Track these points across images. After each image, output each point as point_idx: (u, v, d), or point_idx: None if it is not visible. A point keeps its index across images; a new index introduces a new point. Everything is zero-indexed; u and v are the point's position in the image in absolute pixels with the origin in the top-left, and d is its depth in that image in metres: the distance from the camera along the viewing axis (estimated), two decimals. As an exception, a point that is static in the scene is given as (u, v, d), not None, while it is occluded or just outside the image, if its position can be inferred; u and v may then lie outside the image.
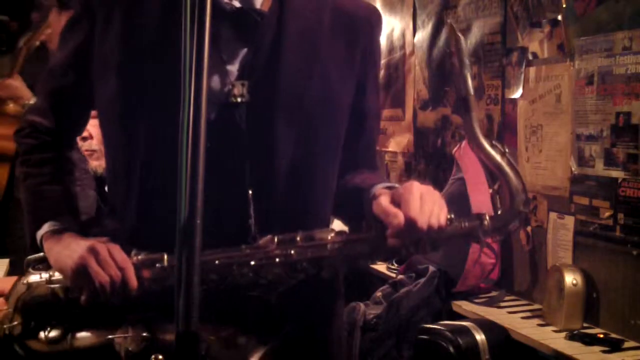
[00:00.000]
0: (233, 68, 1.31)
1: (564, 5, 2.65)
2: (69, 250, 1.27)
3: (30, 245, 1.37)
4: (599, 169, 2.48)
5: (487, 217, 1.27)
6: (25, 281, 1.31)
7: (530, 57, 2.86)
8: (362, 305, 3.02)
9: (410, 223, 1.19)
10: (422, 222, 1.20)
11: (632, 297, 2.39)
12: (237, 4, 1.30)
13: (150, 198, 1.26)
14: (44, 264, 1.32)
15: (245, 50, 1.31)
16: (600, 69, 2.46)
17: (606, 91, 2.44)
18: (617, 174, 2.41)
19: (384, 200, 1.24)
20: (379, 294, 3.09)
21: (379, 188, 1.31)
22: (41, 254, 1.34)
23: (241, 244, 1.25)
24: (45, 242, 1.33)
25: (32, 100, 3.20)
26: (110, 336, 1.24)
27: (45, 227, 1.34)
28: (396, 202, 1.23)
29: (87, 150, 2.47)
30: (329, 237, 1.25)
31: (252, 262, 1.23)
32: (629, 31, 2.35)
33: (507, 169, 1.29)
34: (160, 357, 1.20)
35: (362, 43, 1.41)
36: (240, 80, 1.30)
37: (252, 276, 1.23)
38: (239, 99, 1.29)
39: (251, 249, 1.24)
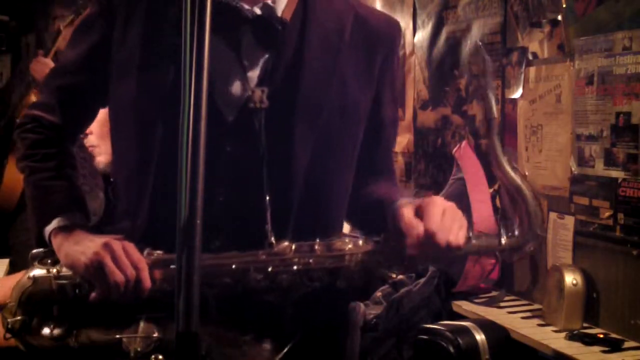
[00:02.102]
0: (254, 74, 1.32)
1: (564, 5, 2.64)
2: (81, 246, 1.26)
3: (36, 241, 1.37)
4: (599, 169, 2.48)
5: (505, 237, 1.30)
6: (30, 275, 1.30)
7: (530, 57, 2.86)
8: (362, 305, 3.02)
9: (429, 236, 1.21)
10: (441, 237, 1.21)
11: (632, 297, 2.39)
12: (258, 11, 1.31)
13: (163, 198, 1.26)
14: (50, 259, 1.31)
15: (266, 57, 1.32)
16: (600, 69, 2.46)
17: (606, 91, 2.44)
18: (617, 174, 2.41)
19: (407, 212, 1.25)
20: (379, 294, 3.09)
21: (402, 201, 1.32)
22: (46, 249, 1.33)
23: (257, 249, 1.25)
24: (55, 237, 1.32)
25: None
26: (119, 335, 1.24)
27: (55, 223, 1.33)
28: (419, 214, 1.24)
29: (89, 147, 2.47)
30: (347, 248, 1.26)
31: (269, 269, 1.23)
32: (629, 31, 2.35)
33: (526, 191, 1.32)
34: (160, 357, 1.20)
35: (381, 54, 1.42)
36: (261, 86, 1.31)
37: (268, 282, 1.24)
38: (258, 105, 1.30)
39: (268, 254, 1.25)
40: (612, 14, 2.43)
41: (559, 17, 2.68)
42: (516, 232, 1.31)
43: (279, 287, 1.24)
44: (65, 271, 1.28)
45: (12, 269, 2.82)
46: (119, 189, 1.40)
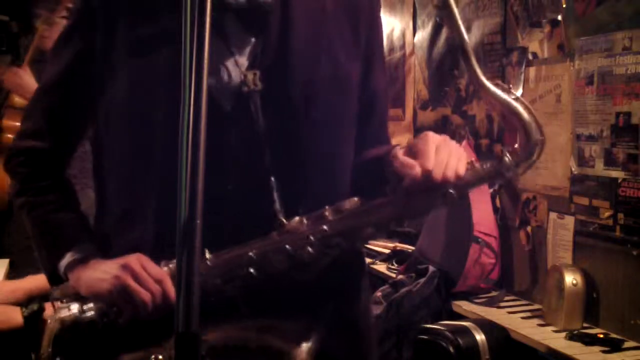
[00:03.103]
0: (243, 59, 1.31)
1: (564, 5, 2.65)
2: (100, 272, 1.24)
3: (50, 277, 1.33)
4: (599, 169, 2.48)
5: (508, 154, 1.27)
6: (56, 318, 1.25)
7: (530, 57, 2.86)
8: (362, 305, 3.02)
9: (426, 174, 1.19)
10: (437, 173, 1.19)
11: (632, 297, 2.39)
12: None
13: (173, 201, 1.24)
14: (69, 296, 1.27)
15: (253, 40, 1.32)
16: (600, 69, 2.46)
17: (606, 91, 2.44)
18: (617, 174, 2.41)
19: (400, 153, 1.23)
20: (379, 294, 3.09)
21: (396, 148, 1.31)
22: (62, 285, 1.30)
23: (268, 231, 1.24)
24: (71, 271, 1.29)
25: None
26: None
27: (68, 257, 1.30)
28: (412, 153, 1.23)
29: None
30: (357, 206, 1.26)
31: (288, 247, 1.22)
32: (629, 31, 2.35)
33: (515, 104, 1.28)
34: (160, 357, 1.19)
35: (364, 22, 1.42)
36: (252, 70, 1.30)
37: (289, 261, 1.23)
38: (252, 87, 1.29)
39: (282, 234, 1.24)
40: (612, 14, 2.43)
41: (559, 17, 2.69)
42: (516, 146, 1.28)
43: (302, 262, 1.23)
44: (88, 303, 1.25)
45: (11, 269, 2.82)
46: (120, 198, 1.35)
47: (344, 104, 1.38)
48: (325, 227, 1.24)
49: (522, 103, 1.28)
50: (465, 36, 1.29)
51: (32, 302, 2.16)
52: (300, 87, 1.32)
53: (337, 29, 1.38)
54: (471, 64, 1.28)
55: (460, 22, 1.28)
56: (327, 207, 1.25)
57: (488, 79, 1.30)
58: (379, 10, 1.50)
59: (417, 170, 1.19)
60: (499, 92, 1.28)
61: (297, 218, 1.25)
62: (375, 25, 1.47)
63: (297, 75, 1.32)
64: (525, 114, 1.27)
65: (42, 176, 1.39)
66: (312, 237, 1.23)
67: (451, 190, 1.23)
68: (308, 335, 1.26)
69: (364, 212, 1.25)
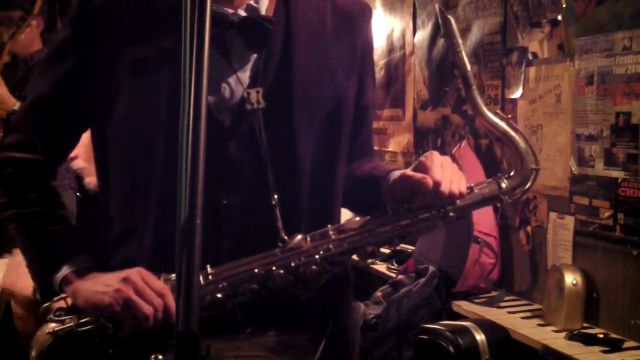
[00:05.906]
0: (245, 75, 1.32)
1: (564, 5, 2.65)
2: (100, 286, 1.23)
3: (42, 290, 1.32)
4: (599, 169, 2.48)
5: (505, 179, 1.34)
6: (48, 330, 1.24)
7: (530, 57, 2.86)
8: (362, 305, 3.02)
9: (436, 186, 1.24)
10: (445, 186, 1.25)
11: (632, 297, 2.39)
12: (243, 13, 1.31)
13: (172, 216, 1.24)
14: (61, 310, 1.26)
15: (255, 56, 1.32)
16: (600, 69, 2.46)
17: (606, 91, 2.44)
18: (617, 174, 2.41)
19: (409, 171, 1.29)
20: (379, 294, 3.09)
21: (396, 170, 1.36)
22: (55, 298, 1.28)
23: (270, 248, 1.26)
24: (67, 284, 1.28)
25: (17, 106, 3.09)
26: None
27: (64, 270, 1.29)
28: (419, 170, 1.28)
29: (77, 169, 2.48)
30: (359, 226, 1.28)
31: (292, 264, 1.24)
32: (629, 31, 2.35)
33: (512, 133, 1.36)
34: (160, 357, 1.19)
35: (360, 39, 1.44)
36: (254, 87, 1.30)
37: (292, 277, 1.25)
38: (255, 106, 1.29)
39: (285, 251, 1.25)
40: (612, 14, 2.43)
41: (559, 17, 2.68)
42: (512, 173, 1.35)
43: (303, 279, 1.25)
44: (85, 316, 1.24)
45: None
46: (117, 213, 1.34)
47: (343, 121, 1.39)
48: (330, 245, 1.26)
49: (519, 133, 1.36)
50: (468, 66, 1.37)
51: None
52: (303, 105, 1.32)
53: (336, 45, 1.39)
54: (472, 93, 1.36)
55: (463, 53, 1.37)
56: (329, 226, 1.28)
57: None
58: (371, 25, 1.50)
59: (429, 182, 1.24)
60: (498, 121, 1.36)
61: (299, 236, 1.27)
62: (368, 40, 1.48)
63: (300, 92, 1.32)
64: (522, 144, 1.36)
65: (31, 187, 1.36)
66: (317, 256, 1.25)
67: (451, 214, 1.30)
68: (313, 350, 1.28)
69: (366, 231, 1.28)
